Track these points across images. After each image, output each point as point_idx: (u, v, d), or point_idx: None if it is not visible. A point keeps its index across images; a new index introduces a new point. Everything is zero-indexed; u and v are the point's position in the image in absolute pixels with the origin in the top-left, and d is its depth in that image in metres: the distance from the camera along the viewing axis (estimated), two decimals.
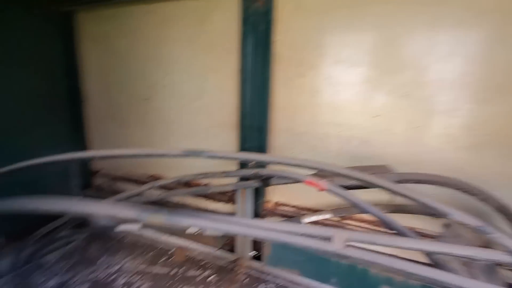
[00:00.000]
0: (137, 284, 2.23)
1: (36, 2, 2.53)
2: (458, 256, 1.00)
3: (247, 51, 2.10)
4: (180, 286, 2.23)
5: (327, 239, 1.04)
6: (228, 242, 2.55)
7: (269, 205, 2.39)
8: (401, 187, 1.21)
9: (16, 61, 2.43)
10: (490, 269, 1.19)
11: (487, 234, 1.04)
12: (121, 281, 2.26)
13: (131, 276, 2.31)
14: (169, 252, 2.65)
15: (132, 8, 2.53)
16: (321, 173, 1.46)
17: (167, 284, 2.24)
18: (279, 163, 1.49)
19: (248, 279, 2.33)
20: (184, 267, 2.45)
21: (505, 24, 1.57)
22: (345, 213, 1.97)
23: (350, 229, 2.03)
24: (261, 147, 2.24)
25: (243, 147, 2.29)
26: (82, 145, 3.06)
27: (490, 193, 1.51)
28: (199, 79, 2.42)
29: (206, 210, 2.58)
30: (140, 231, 2.83)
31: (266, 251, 2.34)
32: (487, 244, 1.15)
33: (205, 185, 2.55)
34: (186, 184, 2.61)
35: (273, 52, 2.11)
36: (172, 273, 2.38)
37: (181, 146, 2.55)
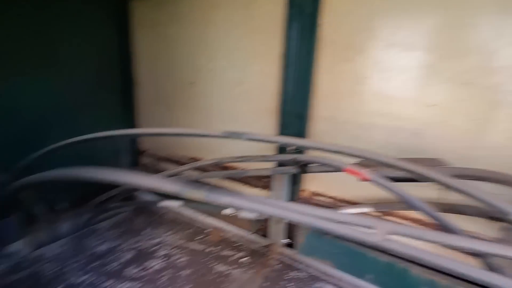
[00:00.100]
0: (176, 257, 2.39)
1: None
2: None
3: (291, 35, 2.04)
4: (215, 263, 2.34)
5: (368, 228, 0.99)
6: (262, 228, 2.58)
7: (305, 194, 2.35)
8: (458, 182, 1.09)
9: (76, 48, 2.67)
10: None
11: None
12: (162, 252, 2.44)
13: (171, 249, 2.48)
14: (205, 231, 2.78)
15: None
16: (365, 163, 1.38)
17: (202, 260, 2.36)
18: (319, 149, 1.44)
19: (280, 265, 2.35)
20: (219, 247, 2.56)
21: None
22: (388, 208, 1.84)
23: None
24: (301, 135, 2.19)
25: (282, 134, 2.27)
26: (132, 126, 3.29)
27: None
28: (241, 64, 2.43)
29: None
30: (179, 209, 3.01)
31: (299, 240, 2.32)
32: None
33: (242, 169, 2.59)
34: (224, 167, 2.68)
35: (318, 36, 2.03)
36: (207, 250, 2.50)
37: None
